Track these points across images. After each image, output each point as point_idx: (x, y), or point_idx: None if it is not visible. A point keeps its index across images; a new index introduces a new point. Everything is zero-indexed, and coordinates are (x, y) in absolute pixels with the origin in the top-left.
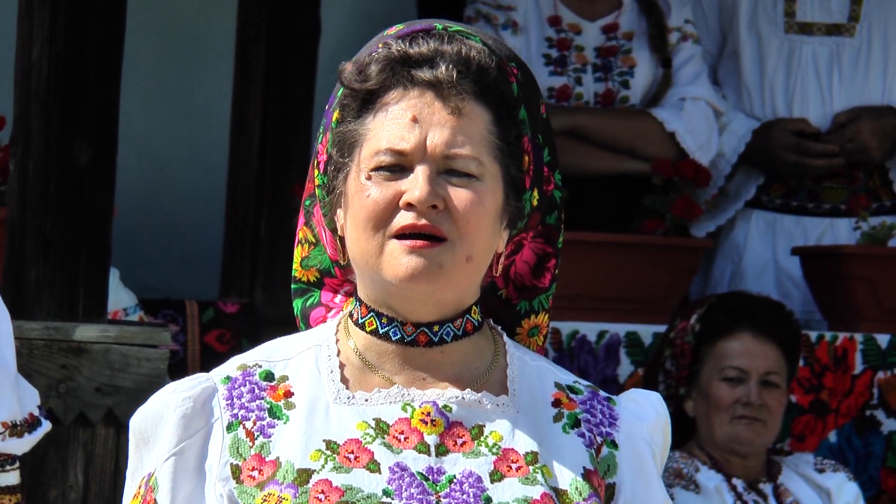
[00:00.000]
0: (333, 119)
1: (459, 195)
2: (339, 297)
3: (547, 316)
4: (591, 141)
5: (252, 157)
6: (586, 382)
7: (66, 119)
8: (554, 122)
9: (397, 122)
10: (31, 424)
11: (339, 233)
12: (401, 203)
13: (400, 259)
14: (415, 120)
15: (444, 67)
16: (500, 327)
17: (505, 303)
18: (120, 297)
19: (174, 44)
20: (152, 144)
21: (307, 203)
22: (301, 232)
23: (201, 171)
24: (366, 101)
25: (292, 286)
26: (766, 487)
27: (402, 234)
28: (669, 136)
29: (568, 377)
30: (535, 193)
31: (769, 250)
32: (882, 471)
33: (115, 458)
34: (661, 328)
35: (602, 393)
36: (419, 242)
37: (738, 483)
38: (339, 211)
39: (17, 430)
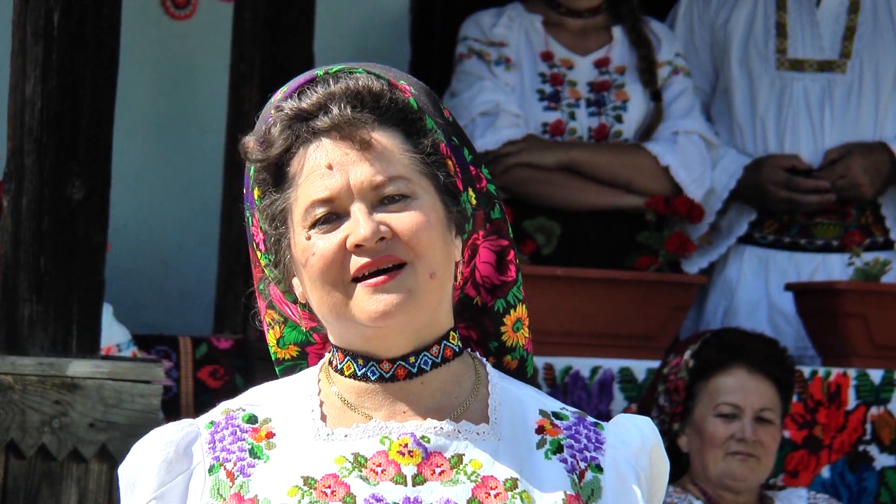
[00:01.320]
0: (256, 197)
1: (402, 219)
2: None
3: (524, 307)
4: (586, 175)
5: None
6: (574, 409)
7: (60, 156)
8: (549, 157)
9: (316, 174)
10: None
11: (300, 299)
12: (348, 246)
13: (368, 301)
14: (330, 167)
15: (336, 109)
16: (483, 358)
17: (482, 309)
18: (113, 333)
19: (168, 80)
20: (146, 181)
21: (261, 288)
22: (267, 316)
23: (195, 207)
24: (278, 170)
25: (277, 369)
26: None
27: (360, 276)
28: (664, 170)
29: (554, 404)
30: (471, 193)
31: (762, 287)
32: None
33: (108, 494)
34: (655, 364)
35: (590, 419)
36: (380, 279)
37: None
38: (293, 280)
39: None
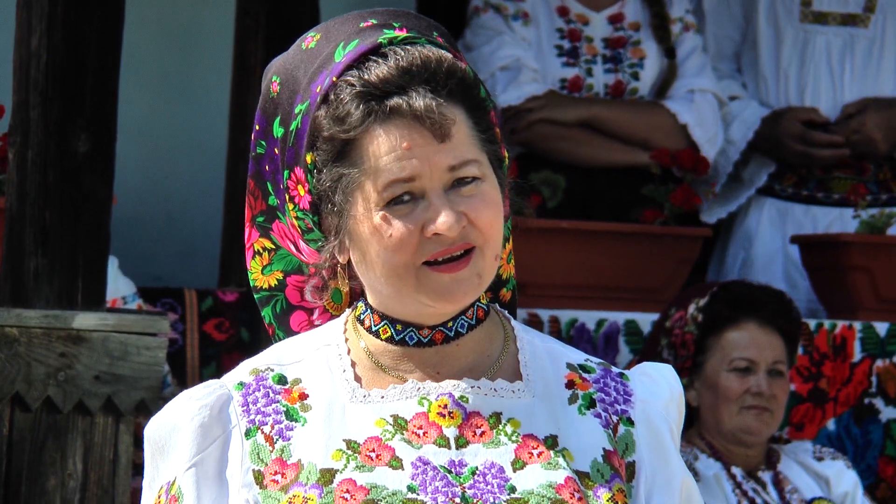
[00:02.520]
0: (309, 161)
1: (475, 205)
2: (308, 295)
3: (511, 239)
4: (606, 132)
5: (250, 147)
6: (598, 360)
7: (65, 109)
8: (570, 113)
9: (394, 155)
10: None
11: (341, 261)
12: (427, 233)
13: (443, 286)
14: (409, 147)
15: (420, 95)
16: (505, 311)
17: None
18: (119, 286)
19: (173, 34)
20: (151, 134)
21: (260, 220)
22: (257, 244)
23: (200, 161)
24: (344, 143)
25: (255, 296)
26: (766, 476)
27: (432, 261)
28: (681, 128)
29: (579, 356)
30: (504, 151)
31: (779, 239)
32: (880, 459)
33: (113, 447)
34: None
35: (614, 369)
36: (456, 266)
37: (737, 471)
38: (345, 243)
39: None
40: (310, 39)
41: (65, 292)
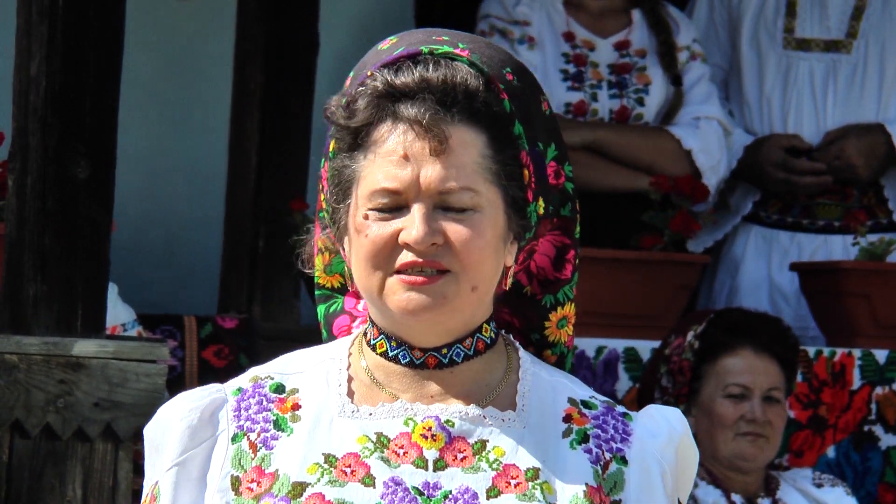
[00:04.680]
0: (331, 149)
1: (457, 230)
2: (361, 305)
3: (573, 305)
4: (610, 157)
5: (250, 173)
6: (604, 398)
7: (65, 135)
8: (574, 136)
9: (389, 160)
10: None
11: (345, 262)
12: (399, 241)
13: (401, 295)
14: (406, 157)
15: (425, 106)
16: (517, 343)
17: (530, 300)
18: (118, 313)
19: (172, 59)
20: (150, 160)
21: (322, 215)
22: (320, 241)
23: (199, 187)
24: (356, 135)
25: (316, 292)
26: (765, 502)
27: (402, 270)
28: (686, 154)
29: (584, 392)
30: (541, 202)
31: (764, 266)
32: (880, 486)
33: (113, 473)
34: (659, 344)
35: (619, 409)
36: (419, 279)
37: (737, 498)
38: (345, 239)
39: None
40: (386, 42)
41: (64, 319)
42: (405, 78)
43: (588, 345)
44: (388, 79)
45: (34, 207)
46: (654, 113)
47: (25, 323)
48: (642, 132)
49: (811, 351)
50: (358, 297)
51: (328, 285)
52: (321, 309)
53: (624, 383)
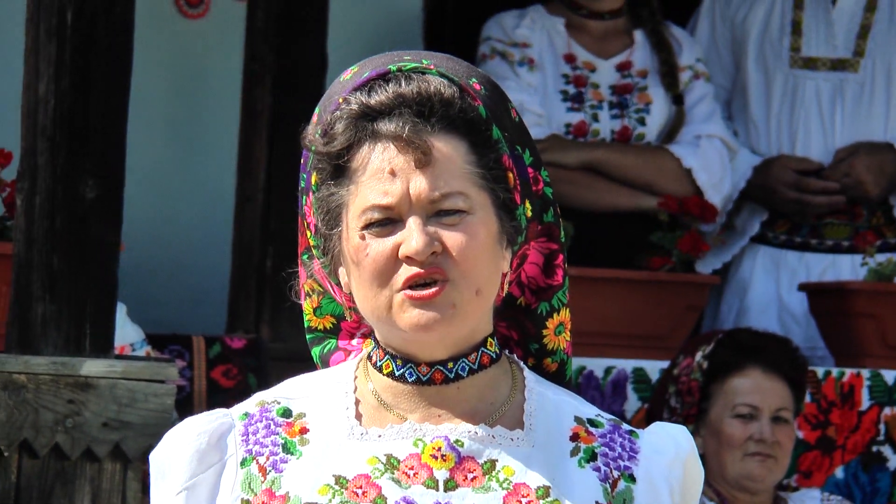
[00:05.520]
0: (313, 182)
1: (453, 236)
2: (355, 340)
3: (567, 310)
4: (609, 176)
5: (258, 193)
6: (609, 416)
7: (73, 155)
8: (573, 157)
9: (377, 178)
10: None
11: (345, 289)
12: (400, 256)
13: (411, 312)
14: (393, 173)
15: (402, 117)
16: (521, 363)
17: (525, 310)
18: (127, 333)
19: (181, 80)
20: (159, 180)
21: (305, 257)
22: (307, 285)
23: (208, 207)
24: (338, 162)
25: (307, 336)
26: None
27: (407, 286)
28: (686, 172)
29: (590, 411)
30: (527, 205)
31: (772, 286)
32: None
33: (121, 494)
34: (668, 364)
35: (625, 426)
36: (426, 293)
37: None
38: (340, 269)
39: None
40: (347, 72)
41: (72, 339)
42: (379, 96)
43: (597, 365)
44: (363, 100)
45: (42, 227)
46: (655, 132)
47: (34, 343)
48: (641, 151)
49: (820, 371)
50: (351, 335)
51: (320, 327)
52: (315, 351)
53: (632, 403)
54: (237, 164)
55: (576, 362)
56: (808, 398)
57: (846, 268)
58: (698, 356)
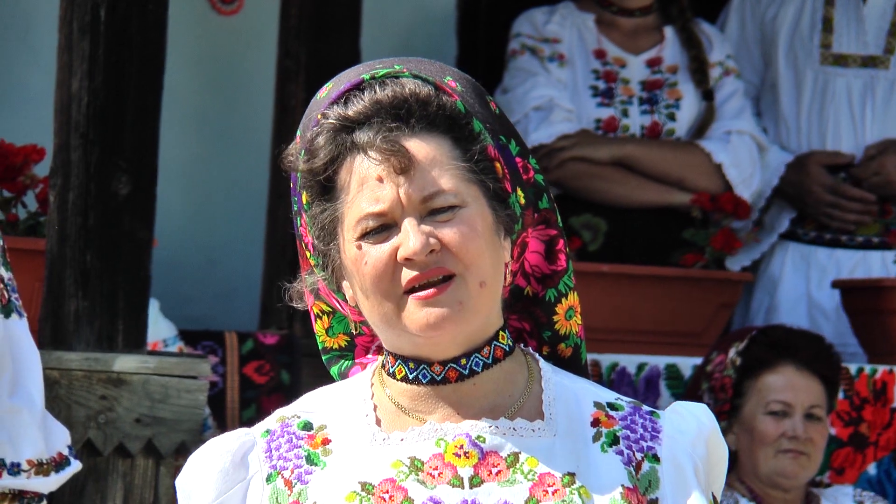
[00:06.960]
0: (304, 202)
1: (450, 232)
2: (370, 354)
3: (575, 294)
4: (639, 171)
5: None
6: (629, 399)
7: (106, 151)
8: (602, 152)
9: (366, 187)
10: (58, 464)
11: (350, 303)
12: (399, 259)
13: (419, 313)
14: (381, 179)
15: (377, 128)
16: (536, 354)
17: (533, 299)
18: (159, 328)
19: (214, 76)
20: (192, 176)
21: (309, 280)
22: (315, 307)
23: (241, 203)
24: (325, 178)
25: (323, 357)
26: None
27: (412, 289)
28: (716, 168)
29: (609, 395)
30: (519, 192)
31: (802, 283)
32: None
33: (153, 489)
34: (701, 361)
35: (645, 408)
36: (430, 292)
37: None
38: (343, 283)
39: (43, 468)
40: (323, 90)
41: (105, 335)
42: (356, 106)
43: (629, 361)
44: (340, 112)
45: (76, 223)
46: (685, 128)
47: (67, 339)
48: (672, 146)
49: (852, 368)
50: (366, 349)
51: (335, 346)
52: (334, 370)
53: (665, 400)
54: (270, 160)
55: (608, 358)
56: (840, 395)
57: (876, 264)
58: (732, 353)
